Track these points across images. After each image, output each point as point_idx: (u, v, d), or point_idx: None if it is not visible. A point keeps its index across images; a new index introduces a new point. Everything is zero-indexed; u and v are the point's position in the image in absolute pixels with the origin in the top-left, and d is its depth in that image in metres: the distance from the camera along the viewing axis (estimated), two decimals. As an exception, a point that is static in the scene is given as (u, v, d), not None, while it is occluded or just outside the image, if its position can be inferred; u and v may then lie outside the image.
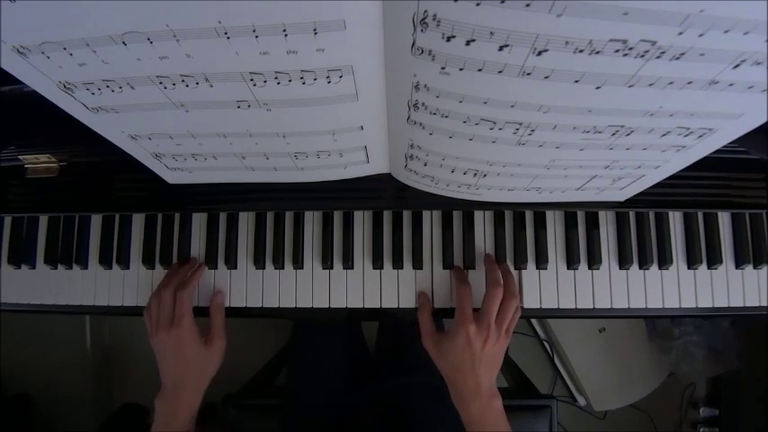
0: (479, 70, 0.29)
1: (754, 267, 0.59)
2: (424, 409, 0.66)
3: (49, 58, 0.31)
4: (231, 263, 0.61)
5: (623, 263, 0.59)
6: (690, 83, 0.29)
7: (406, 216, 0.61)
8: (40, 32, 0.29)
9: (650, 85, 0.29)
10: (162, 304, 0.55)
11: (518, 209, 0.60)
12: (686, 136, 0.36)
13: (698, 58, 0.27)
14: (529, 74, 0.29)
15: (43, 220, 0.65)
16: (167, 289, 0.56)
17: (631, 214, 0.60)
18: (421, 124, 0.38)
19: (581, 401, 1.32)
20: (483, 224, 0.60)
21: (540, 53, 0.27)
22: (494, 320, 0.52)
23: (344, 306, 0.60)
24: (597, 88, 0.30)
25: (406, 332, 0.79)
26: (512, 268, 0.59)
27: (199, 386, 0.56)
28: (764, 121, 0.32)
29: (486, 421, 0.51)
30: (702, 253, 0.59)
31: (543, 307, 0.59)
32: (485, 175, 0.45)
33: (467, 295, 0.54)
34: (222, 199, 0.56)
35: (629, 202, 0.52)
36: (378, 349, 0.86)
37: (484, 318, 0.52)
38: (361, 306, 0.59)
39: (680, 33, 0.25)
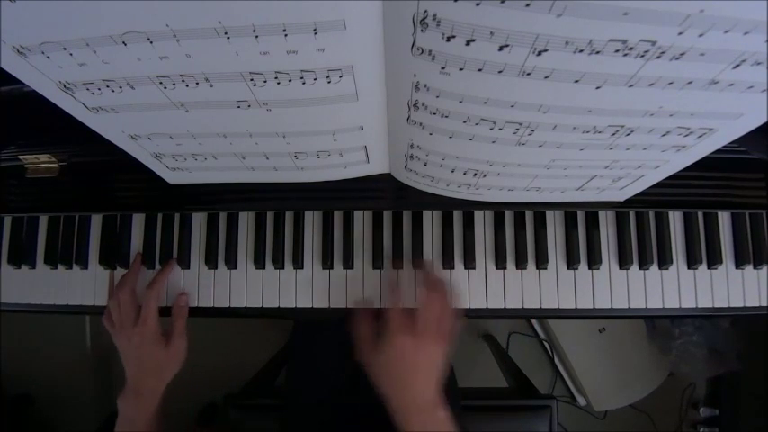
0: (479, 70, 0.29)
1: (754, 267, 0.59)
2: None
3: (49, 58, 0.31)
4: (231, 263, 0.61)
5: (623, 263, 0.59)
6: (690, 83, 0.29)
7: (406, 216, 0.61)
8: (40, 32, 0.29)
9: (650, 85, 0.29)
10: (121, 305, 0.56)
11: (518, 209, 0.60)
12: (686, 136, 0.36)
13: (698, 58, 0.27)
14: (529, 74, 0.29)
15: (43, 220, 0.65)
16: (124, 289, 0.57)
17: (631, 214, 0.60)
18: (421, 124, 0.38)
19: (581, 401, 1.32)
20: (483, 224, 0.60)
21: (540, 53, 0.27)
22: (429, 328, 0.49)
23: (344, 306, 0.60)
24: (597, 88, 0.30)
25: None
26: (513, 268, 0.59)
27: (157, 388, 0.56)
28: (764, 121, 0.32)
29: None
30: (702, 253, 0.59)
31: (543, 307, 0.59)
32: (485, 175, 0.45)
33: (397, 301, 0.51)
34: (222, 199, 0.56)
35: (629, 202, 0.52)
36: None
37: (417, 325, 0.49)
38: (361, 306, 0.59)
39: (680, 33, 0.25)
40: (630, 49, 0.26)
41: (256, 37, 0.29)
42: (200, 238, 0.62)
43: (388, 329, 0.50)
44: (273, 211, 0.61)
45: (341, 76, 0.33)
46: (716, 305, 0.58)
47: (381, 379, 0.50)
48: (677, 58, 0.27)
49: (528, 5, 0.24)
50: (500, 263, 0.59)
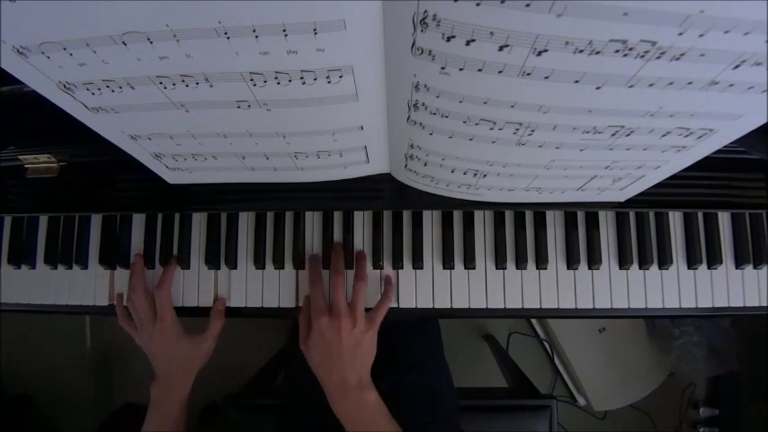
0: (479, 70, 0.29)
1: (754, 267, 0.59)
2: (417, 408, 0.66)
3: (49, 58, 0.31)
4: (231, 263, 0.61)
5: (623, 263, 0.59)
6: (690, 83, 0.29)
7: (406, 216, 0.61)
8: (40, 32, 0.29)
9: (650, 85, 0.29)
10: (138, 307, 0.58)
11: (518, 209, 0.60)
12: (686, 136, 0.36)
13: (698, 58, 0.26)
14: (529, 74, 0.29)
15: (43, 220, 0.65)
16: (136, 292, 0.58)
17: (631, 214, 0.60)
18: (421, 124, 0.38)
19: (581, 401, 1.32)
20: (483, 224, 0.60)
21: (540, 53, 0.27)
22: (343, 308, 0.52)
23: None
24: (597, 88, 0.30)
25: (400, 332, 0.79)
26: (513, 268, 0.59)
27: (186, 377, 0.59)
28: (764, 121, 0.32)
29: (361, 416, 0.50)
30: (702, 253, 0.59)
31: (543, 307, 0.59)
32: (485, 176, 0.45)
33: (317, 290, 0.55)
34: (222, 199, 0.56)
35: (629, 202, 0.52)
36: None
37: (332, 308, 0.53)
38: (361, 306, 0.59)
39: (680, 34, 0.25)
40: (630, 49, 0.26)
41: (256, 37, 0.29)
42: (200, 238, 0.62)
43: (311, 315, 0.53)
44: (273, 212, 0.62)
45: (341, 77, 0.33)
46: (716, 305, 0.58)
47: (313, 363, 0.53)
48: (677, 59, 0.27)
49: (528, 5, 0.24)
50: (500, 263, 0.59)
